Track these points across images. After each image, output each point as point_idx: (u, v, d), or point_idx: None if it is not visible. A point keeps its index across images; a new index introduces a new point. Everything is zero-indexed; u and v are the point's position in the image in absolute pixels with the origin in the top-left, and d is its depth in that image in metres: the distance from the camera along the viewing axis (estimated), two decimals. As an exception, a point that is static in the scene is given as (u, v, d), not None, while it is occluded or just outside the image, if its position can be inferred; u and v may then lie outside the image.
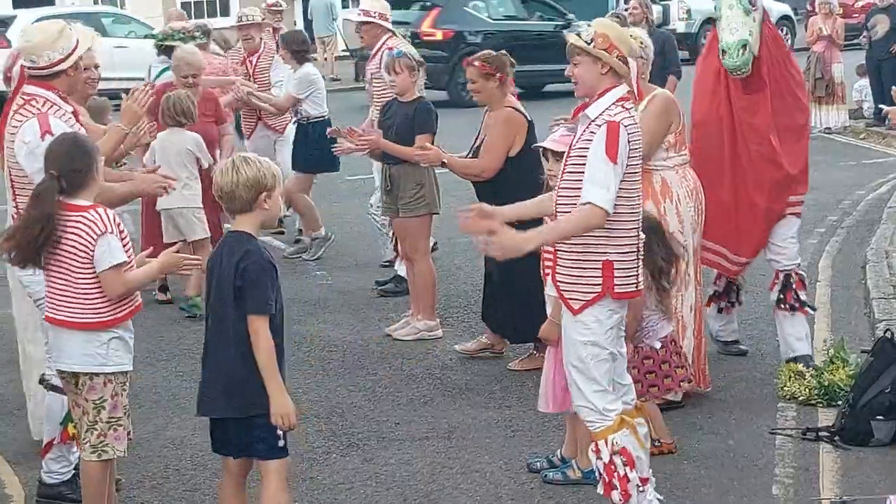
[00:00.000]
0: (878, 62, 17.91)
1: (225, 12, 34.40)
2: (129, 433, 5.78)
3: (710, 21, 32.90)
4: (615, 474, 5.50)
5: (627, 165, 5.45)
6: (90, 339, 5.55)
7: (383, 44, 10.38)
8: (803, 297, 7.94)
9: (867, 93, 18.67)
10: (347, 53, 28.43)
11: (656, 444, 6.75)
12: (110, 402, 5.62)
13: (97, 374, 5.59)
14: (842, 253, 11.30)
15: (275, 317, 5.24)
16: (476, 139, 8.47)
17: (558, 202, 5.67)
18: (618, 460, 5.49)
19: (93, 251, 5.47)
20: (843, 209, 13.37)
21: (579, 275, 5.53)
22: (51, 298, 5.65)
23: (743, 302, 8.42)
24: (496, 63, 8.33)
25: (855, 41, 21.00)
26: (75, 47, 6.21)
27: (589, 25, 5.68)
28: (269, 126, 12.15)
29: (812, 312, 8.25)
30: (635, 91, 6.02)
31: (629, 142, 5.44)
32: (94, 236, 5.46)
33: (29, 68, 6.21)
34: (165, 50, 11.74)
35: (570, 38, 5.71)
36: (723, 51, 7.58)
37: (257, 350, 5.17)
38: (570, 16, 25.65)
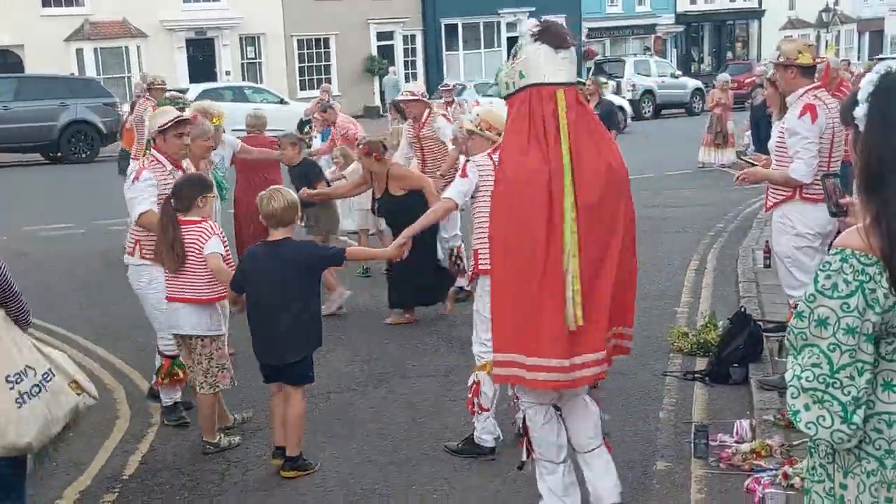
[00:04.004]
0: (757, 119, 17.71)
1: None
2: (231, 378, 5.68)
3: (650, 92, 33.09)
4: (470, 395, 5.43)
5: (479, 186, 5.11)
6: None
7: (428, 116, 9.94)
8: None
9: (749, 140, 18.46)
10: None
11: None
12: (216, 354, 5.62)
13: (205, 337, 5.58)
14: (723, 249, 11.09)
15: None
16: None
17: None
18: (474, 388, 5.38)
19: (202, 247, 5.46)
20: (727, 219, 13.18)
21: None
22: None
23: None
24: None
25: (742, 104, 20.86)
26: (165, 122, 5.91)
27: (478, 115, 5.50)
28: None
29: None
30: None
31: (478, 172, 5.14)
32: (205, 239, 5.44)
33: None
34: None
35: (465, 124, 5.61)
36: None
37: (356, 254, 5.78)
38: None
